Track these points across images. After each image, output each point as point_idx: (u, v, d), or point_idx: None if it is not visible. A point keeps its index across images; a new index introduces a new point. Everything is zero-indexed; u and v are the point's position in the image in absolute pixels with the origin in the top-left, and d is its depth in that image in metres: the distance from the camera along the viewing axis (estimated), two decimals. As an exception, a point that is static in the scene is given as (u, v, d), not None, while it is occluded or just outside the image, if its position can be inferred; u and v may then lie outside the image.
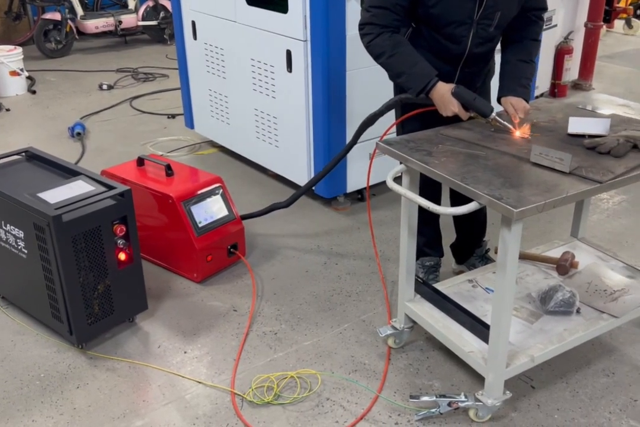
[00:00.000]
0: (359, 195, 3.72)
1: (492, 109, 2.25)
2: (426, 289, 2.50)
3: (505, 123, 2.25)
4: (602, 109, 2.51)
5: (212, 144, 4.43)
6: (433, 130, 2.34)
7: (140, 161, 3.09)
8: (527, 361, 2.19)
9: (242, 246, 3.08)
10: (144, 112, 5.18)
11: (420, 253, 2.89)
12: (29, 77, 5.83)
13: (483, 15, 2.21)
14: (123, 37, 7.33)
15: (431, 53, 2.35)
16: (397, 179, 2.14)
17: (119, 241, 2.45)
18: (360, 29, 2.29)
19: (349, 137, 3.33)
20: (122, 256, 2.47)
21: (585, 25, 5.54)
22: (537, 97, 5.25)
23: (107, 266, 2.43)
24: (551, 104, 2.59)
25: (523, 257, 2.75)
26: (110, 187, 2.44)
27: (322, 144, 3.44)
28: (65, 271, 2.31)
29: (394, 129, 2.53)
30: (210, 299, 2.84)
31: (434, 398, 2.18)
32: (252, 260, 3.13)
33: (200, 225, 2.87)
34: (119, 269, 2.48)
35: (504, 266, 1.96)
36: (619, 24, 7.97)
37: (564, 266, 2.63)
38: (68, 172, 2.59)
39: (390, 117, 2.60)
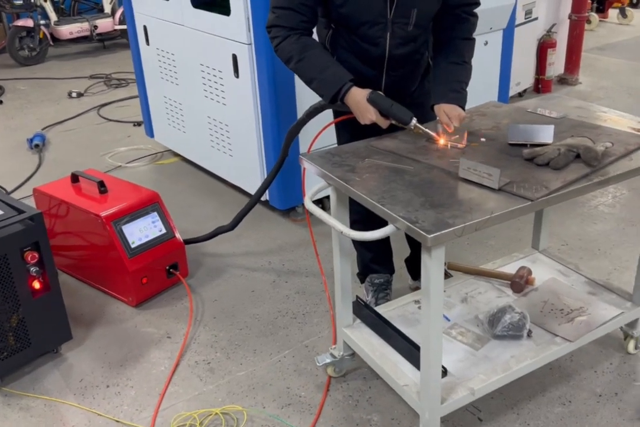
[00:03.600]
0: (320, 205, 3.52)
1: (411, 116, 2.05)
2: (367, 312, 2.31)
3: (428, 130, 2.05)
4: (555, 112, 2.30)
5: (174, 153, 4.26)
6: (364, 142, 2.14)
7: (75, 178, 2.92)
8: (466, 395, 1.99)
9: (184, 265, 2.90)
10: (110, 120, 5.01)
11: (368, 270, 2.70)
12: (-2, 87, 5.70)
13: (397, 13, 2.00)
14: (101, 42, 7.18)
15: (354, 56, 2.15)
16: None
17: (31, 269, 2.27)
18: (267, 32, 2.09)
19: (302, 145, 3.15)
20: (36, 285, 2.30)
21: (570, 17, 5.30)
22: (520, 93, 5.02)
23: (19, 296, 2.26)
24: (499, 109, 2.38)
25: (477, 273, 2.55)
26: (20, 211, 2.27)
27: (273, 152, 3.25)
28: (-30, 304, 2.14)
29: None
30: (145, 325, 2.66)
31: (366, 437, 1.99)
32: (195, 280, 2.95)
33: (133, 245, 2.69)
34: (33, 298, 2.30)
35: (427, 296, 1.76)
36: (613, 13, 7.70)
37: (519, 283, 2.42)
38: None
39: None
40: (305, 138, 2.76)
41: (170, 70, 3.78)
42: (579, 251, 3.09)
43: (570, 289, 2.42)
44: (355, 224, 2.17)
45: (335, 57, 2.18)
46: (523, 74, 4.90)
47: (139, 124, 4.81)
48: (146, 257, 2.73)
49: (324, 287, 2.83)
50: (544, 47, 5.09)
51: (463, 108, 2.10)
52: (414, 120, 2.05)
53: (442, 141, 2.04)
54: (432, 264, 1.70)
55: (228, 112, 3.42)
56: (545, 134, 2.02)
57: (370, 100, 2.03)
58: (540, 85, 5.15)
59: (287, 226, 3.41)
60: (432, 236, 1.58)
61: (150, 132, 4.28)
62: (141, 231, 2.74)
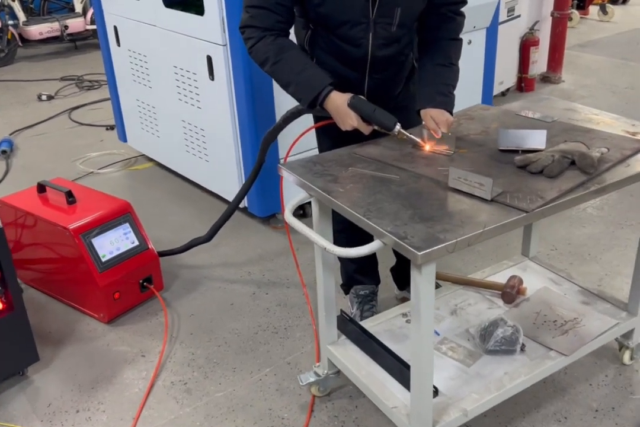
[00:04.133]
0: (301, 211, 3.40)
1: (395, 122, 1.93)
2: (352, 328, 2.19)
3: (412, 136, 1.94)
4: (545, 115, 2.19)
5: (148, 157, 4.10)
6: (346, 149, 2.02)
7: (41, 188, 2.76)
8: (459, 416, 1.88)
9: (159, 278, 2.76)
10: (82, 124, 4.84)
11: (353, 281, 2.58)
12: (-36, 90, 5.50)
13: (380, 13, 1.88)
14: (73, 43, 6.98)
15: (334, 58, 2.02)
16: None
17: (-8, 288, 2.12)
18: (241, 33, 1.97)
19: (281, 150, 3.03)
20: (-2, 305, 2.15)
21: (552, 14, 5.21)
22: (502, 93, 4.93)
23: (-21, 317, 2.11)
24: (487, 112, 2.27)
25: (466, 283, 2.44)
26: (-21, 227, 2.11)
27: (251, 158, 3.11)
28: None
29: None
30: (117, 343, 2.52)
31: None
32: (171, 294, 2.81)
33: (104, 259, 2.55)
34: (-5, 319, 2.15)
35: (418, 315, 1.65)
36: (593, 10, 7.65)
37: (510, 294, 2.32)
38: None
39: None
40: (285, 142, 2.63)
41: (143, 73, 3.63)
42: (568, 255, 3.00)
43: (563, 299, 2.32)
44: (339, 234, 2.05)
45: (314, 60, 2.06)
46: (506, 73, 4.81)
47: (111, 127, 4.64)
48: (118, 271, 2.59)
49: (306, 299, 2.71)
50: (526, 45, 5.00)
51: (451, 113, 1.99)
52: (398, 126, 1.94)
53: (428, 147, 1.92)
54: (423, 281, 1.59)
55: (203, 116, 3.28)
56: (538, 140, 1.91)
57: (352, 105, 1.91)
58: (524, 84, 5.07)
59: (267, 233, 3.28)
60: (422, 253, 1.47)
61: (123, 137, 4.12)
62: (112, 244, 2.60)
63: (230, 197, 3.28)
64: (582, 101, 4.90)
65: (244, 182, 3.16)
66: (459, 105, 2.22)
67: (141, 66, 3.61)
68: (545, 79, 5.31)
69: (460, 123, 2.15)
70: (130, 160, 4.16)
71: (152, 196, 3.69)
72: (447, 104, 1.98)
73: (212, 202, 3.57)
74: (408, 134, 1.94)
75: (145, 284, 2.69)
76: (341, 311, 2.21)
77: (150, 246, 2.72)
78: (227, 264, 3.03)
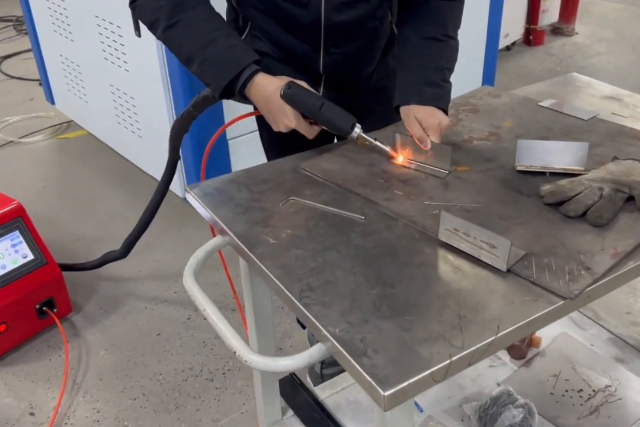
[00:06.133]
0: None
1: (352, 122, 1.29)
2: (304, 398, 1.61)
3: (378, 143, 1.30)
4: (577, 107, 1.55)
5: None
6: (291, 160, 1.37)
7: None
8: None
9: (64, 299, 2.15)
10: (11, 77, 4.10)
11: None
12: None
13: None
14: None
15: (275, 22, 1.35)
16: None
17: None
18: None
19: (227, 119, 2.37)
20: None
21: (567, -48, 4.43)
22: (507, 47, 4.22)
23: None
24: (496, 101, 1.61)
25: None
26: None
27: (189, 136, 2.44)
28: None
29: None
30: (2, 394, 1.93)
31: None
32: (84, 316, 2.21)
33: (-18, 282, 1.93)
34: None
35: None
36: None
37: (519, 348, 1.73)
38: None
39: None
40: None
41: (63, 22, 2.90)
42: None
43: (589, 353, 1.74)
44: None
45: (247, 25, 1.39)
46: (512, 24, 4.09)
47: (46, 82, 3.92)
48: (5, 296, 1.97)
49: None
50: (536, -10, 4.25)
51: (445, 111, 1.33)
52: (358, 129, 1.30)
53: (399, 159, 1.30)
54: None
55: (132, 80, 2.60)
56: (574, 156, 1.28)
57: (287, 96, 1.25)
58: (532, 37, 4.34)
59: (215, 229, 2.64)
60: (390, 392, 0.85)
61: (50, 98, 3.42)
62: (-5, 261, 1.97)
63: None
64: (599, 59, 4.20)
65: (183, 164, 2.53)
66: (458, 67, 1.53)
67: (60, 13, 2.88)
68: (556, 30, 4.57)
69: (459, 118, 1.50)
70: (60, 127, 3.47)
71: (80, 175, 3.04)
72: (440, 98, 1.32)
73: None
74: (371, 140, 1.30)
75: (44, 308, 2.08)
76: (292, 375, 1.62)
77: (50, 260, 2.09)
78: (159, 273, 2.41)
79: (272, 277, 1.04)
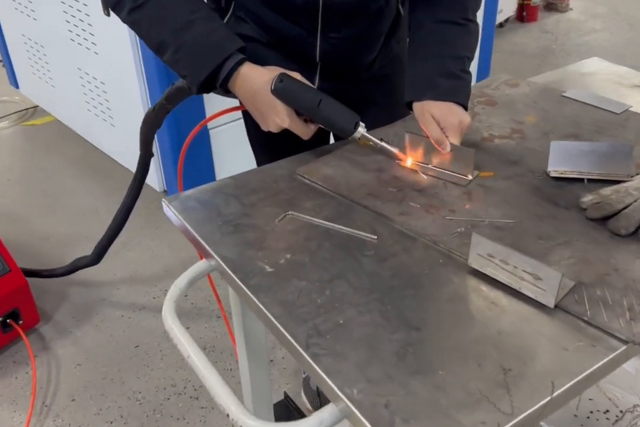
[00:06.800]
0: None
1: (356, 121, 1.11)
2: None
3: (385, 145, 1.12)
4: (607, 99, 1.37)
5: (49, 109, 3.17)
6: (288, 163, 1.19)
7: None
8: None
9: (31, 308, 1.95)
10: (-27, 57, 3.83)
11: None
12: None
13: None
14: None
15: (265, 3, 1.15)
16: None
17: None
18: None
19: (209, 112, 2.19)
20: None
21: None
22: (500, 23, 4.03)
23: None
24: (515, 91, 1.42)
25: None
26: None
27: (166, 125, 2.24)
28: None
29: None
30: (-39, 420, 1.74)
31: None
32: (53, 327, 2.01)
33: None
34: None
35: None
36: None
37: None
38: None
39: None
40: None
41: (24, -2, 2.65)
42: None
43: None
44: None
45: (229, 4, 1.19)
46: (505, 0, 3.88)
47: (10, 63, 3.65)
48: (-38, 310, 1.77)
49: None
50: (530, -37, 4.05)
51: (465, 107, 1.14)
52: (361, 128, 1.11)
53: (409, 162, 1.12)
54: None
55: (102, 64, 2.37)
56: (615, 160, 1.10)
57: (278, 91, 1.05)
58: (525, 13, 4.16)
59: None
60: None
61: (14, 81, 3.17)
62: (-50, 271, 1.77)
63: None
64: (595, 36, 4.02)
65: (160, 155, 2.33)
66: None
67: (21, -11, 2.63)
68: (549, 6, 4.38)
69: (475, 112, 1.32)
70: (26, 112, 3.23)
71: (48, 166, 2.81)
72: (459, 92, 1.13)
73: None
74: (378, 142, 1.12)
75: (8, 321, 1.88)
76: (285, 394, 1.45)
77: (14, 267, 1.89)
78: (136, 276, 2.22)
79: (272, 318, 0.85)
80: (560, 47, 3.80)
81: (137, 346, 1.96)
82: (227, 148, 2.33)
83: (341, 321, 0.84)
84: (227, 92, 1.10)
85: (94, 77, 2.46)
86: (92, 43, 2.33)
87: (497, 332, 0.83)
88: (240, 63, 1.05)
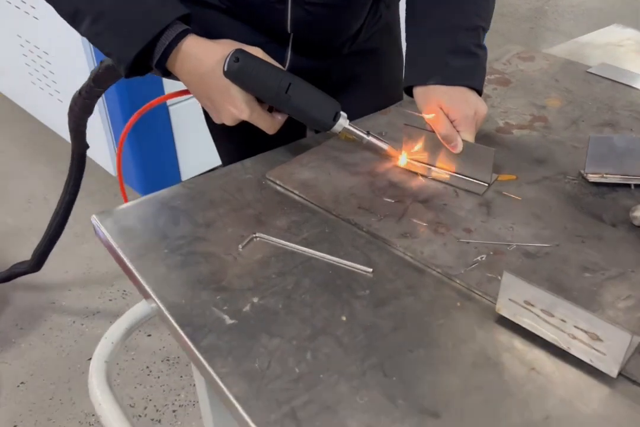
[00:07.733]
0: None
1: (336, 111, 0.85)
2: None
3: (373, 139, 0.89)
4: (632, 74, 1.14)
5: (-7, 80, 2.86)
6: (255, 163, 0.94)
7: None
8: None
9: (-35, 320, 1.69)
10: None
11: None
12: None
13: None
14: None
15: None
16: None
17: None
18: None
19: (167, 90, 1.92)
20: None
21: None
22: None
23: None
24: (531, 65, 1.18)
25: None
26: None
27: (118, 99, 1.97)
28: None
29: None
30: None
31: None
32: (-9, 340, 1.77)
33: None
34: None
35: None
36: None
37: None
38: None
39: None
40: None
41: (-48, -46, 2.31)
42: None
43: None
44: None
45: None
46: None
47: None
48: None
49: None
50: None
51: (480, 92, 0.89)
52: (343, 120, 0.86)
53: (404, 160, 0.89)
54: None
55: (43, 30, 2.07)
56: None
57: (234, 73, 0.80)
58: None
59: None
60: None
61: (-49, 50, 2.83)
62: None
63: (97, 157, 2.19)
64: (593, 6, 3.75)
65: (113, 141, 2.07)
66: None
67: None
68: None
69: (486, 95, 1.08)
70: (-32, 84, 2.90)
71: (-8, 146, 2.52)
72: (474, 73, 0.88)
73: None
74: (364, 136, 0.88)
75: (-62, 335, 1.62)
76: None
77: (-58, 272, 1.63)
78: (90, 275, 1.97)
79: (234, 400, 0.62)
80: (553, 8, 3.54)
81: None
82: (190, 126, 2.07)
83: (328, 403, 0.61)
84: (167, 74, 0.84)
85: (35, 46, 2.15)
86: (31, 6, 2.03)
87: (544, 417, 0.60)
88: (181, 36, 0.79)
